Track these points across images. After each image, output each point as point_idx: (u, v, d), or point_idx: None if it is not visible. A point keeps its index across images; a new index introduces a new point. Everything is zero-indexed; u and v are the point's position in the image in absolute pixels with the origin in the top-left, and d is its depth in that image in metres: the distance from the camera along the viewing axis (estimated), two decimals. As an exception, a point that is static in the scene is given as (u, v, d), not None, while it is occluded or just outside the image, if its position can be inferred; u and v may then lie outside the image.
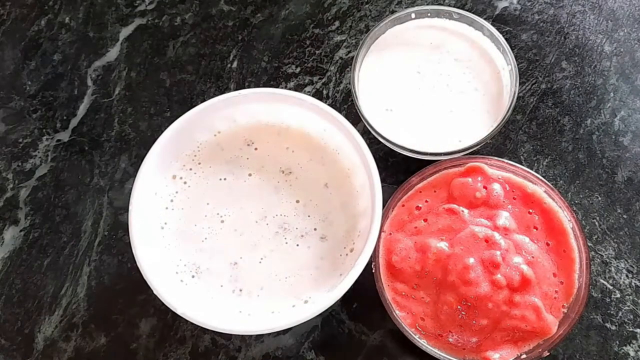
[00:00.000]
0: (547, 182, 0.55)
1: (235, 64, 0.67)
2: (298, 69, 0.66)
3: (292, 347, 0.58)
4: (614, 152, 0.62)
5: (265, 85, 0.66)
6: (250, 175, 0.57)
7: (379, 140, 0.58)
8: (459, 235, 0.52)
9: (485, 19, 0.64)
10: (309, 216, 0.55)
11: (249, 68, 0.67)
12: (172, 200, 0.56)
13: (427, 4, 0.66)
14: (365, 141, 0.53)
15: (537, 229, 0.54)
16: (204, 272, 0.54)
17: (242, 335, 0.58)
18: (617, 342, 0.56)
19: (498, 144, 0.62)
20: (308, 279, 0.53)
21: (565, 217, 0.54)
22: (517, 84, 0.57)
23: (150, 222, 0.54)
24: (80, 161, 0.64)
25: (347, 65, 0.66)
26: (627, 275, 0.58)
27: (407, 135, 0.58)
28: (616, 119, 0.63)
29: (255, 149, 0.57)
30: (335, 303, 0.49)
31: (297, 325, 0.49)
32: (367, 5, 0.68)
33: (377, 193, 0.51)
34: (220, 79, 0.67)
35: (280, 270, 0.53)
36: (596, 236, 0.59)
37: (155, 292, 0.50)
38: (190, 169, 0.57)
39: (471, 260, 0.51)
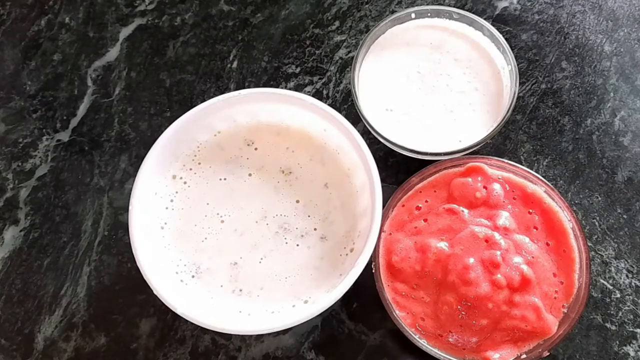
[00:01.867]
0: (547, 182, 0.55)
1: (235, 64, 0.67)
2: (298, 69, 0.66)
3: (292, 347, 0.57)
4: (614, 152, 0.62)
5: (265, 85, 0.66)
6: (250, 175, 0.57)
7: (379, 140, 0.58)
8: (459, 235, 0.52)
9: (485, 19, 0.64)
10: (309, 216, 0.55)
11: (249, 68, 0.67)
12: (172, 200, 0.56)
13: (427, 4, 0.66)
14: (365, 141, 0.53)
15: (537, 229, 0.54)
16: (204, 272, 0.54)
17: (242, 335, 0.58)
18: (617, 342, 0.56)
19: (498, 144, 0.62)
20: (308, 279, 0.53)
21: (565, 217, 0.54)
22: (517, 84, 0.57)
23: (150, 222, 0.54)
24: (80, 161, 0.64)
25: (347, 65, 0.66)
26: (627, 275, 0.58)
27: (407, 135, 0.58)
28: (616, 119, 0.62)
29: (255, 149, 0.57)
30: (335, 303, 0.49)
31: (297, 325, 0.49)
32: (367, 5, 0.68)
33: (377, 193, 0.51)
34: (220, 79, 0.67)
35: (280, 270, 0.53)
36: (596, 236, 0.59)
37: (155, 292, 0.50)
38: (190, 169, 0.57)
39: (471, 260, 0.51)
